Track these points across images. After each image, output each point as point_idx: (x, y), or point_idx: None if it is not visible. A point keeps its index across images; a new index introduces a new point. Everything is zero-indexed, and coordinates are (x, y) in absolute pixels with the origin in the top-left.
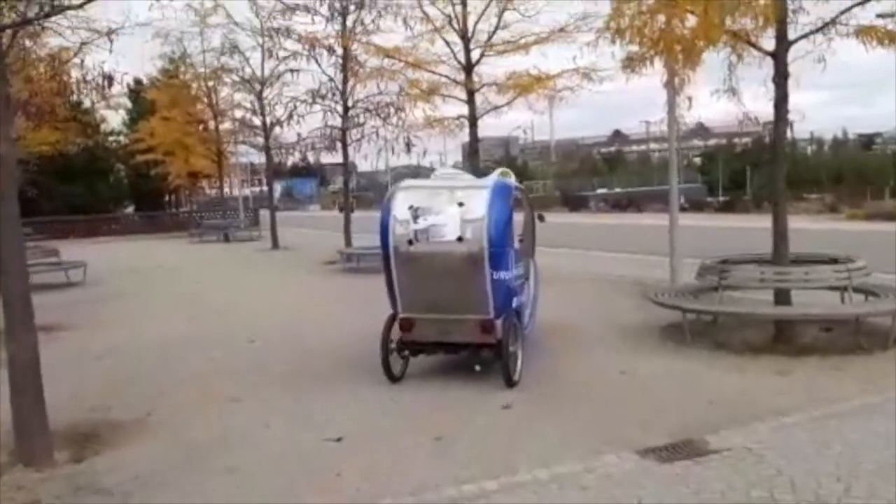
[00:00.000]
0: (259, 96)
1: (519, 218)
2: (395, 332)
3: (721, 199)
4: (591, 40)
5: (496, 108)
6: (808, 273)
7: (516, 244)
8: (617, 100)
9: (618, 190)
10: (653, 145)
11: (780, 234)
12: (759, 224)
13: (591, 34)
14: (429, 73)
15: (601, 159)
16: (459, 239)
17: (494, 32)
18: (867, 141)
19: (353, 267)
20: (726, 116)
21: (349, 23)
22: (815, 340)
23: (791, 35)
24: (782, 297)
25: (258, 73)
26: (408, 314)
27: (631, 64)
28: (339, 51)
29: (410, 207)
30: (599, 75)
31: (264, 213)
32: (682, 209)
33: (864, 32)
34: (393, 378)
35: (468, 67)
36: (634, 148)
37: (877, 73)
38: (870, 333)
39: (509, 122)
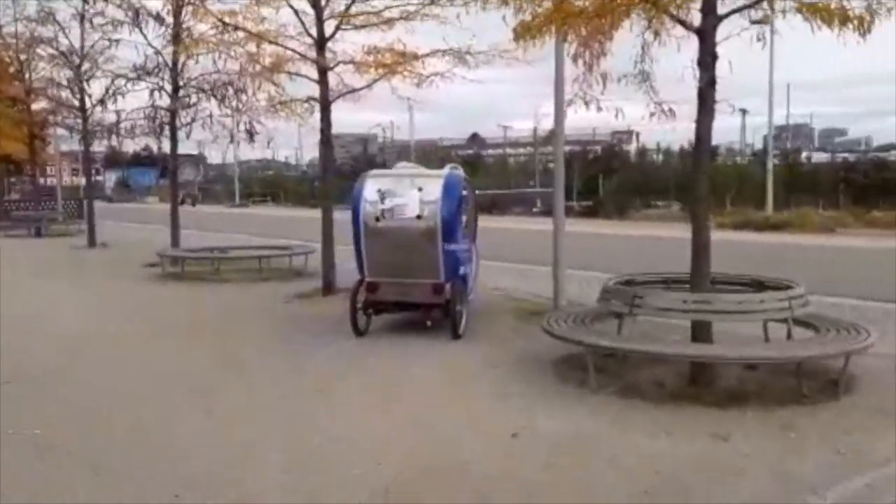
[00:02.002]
0: (77, 72)
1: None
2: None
3: (582, 204)
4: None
5: (354, 90)
6: (742, 302)
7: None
8: (475, 103)
9: (477, 192)
10: (509, 150)
11: (701, 248)
12: (629, 231)
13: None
14: (273, 45)
15: (461, 161)
16: (418, 217)
17: (353, 2)
18: (711, 152)
19: (177, 272)
20: (579, 123)
21: None
22: (740, 383)
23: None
24: (702, 330)
25: (77, 44)
26: (373, 278)
27: (524, 33)
28: (169, 20)
29: (378, 191)
30: (476, 59)
31: (99, 206)
32: (543, 213)
33: (810, 8)
34: (359, 333)
35: (321, 42)
36: (491, 152)
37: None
38: (807, 375)
39: (368, 120)
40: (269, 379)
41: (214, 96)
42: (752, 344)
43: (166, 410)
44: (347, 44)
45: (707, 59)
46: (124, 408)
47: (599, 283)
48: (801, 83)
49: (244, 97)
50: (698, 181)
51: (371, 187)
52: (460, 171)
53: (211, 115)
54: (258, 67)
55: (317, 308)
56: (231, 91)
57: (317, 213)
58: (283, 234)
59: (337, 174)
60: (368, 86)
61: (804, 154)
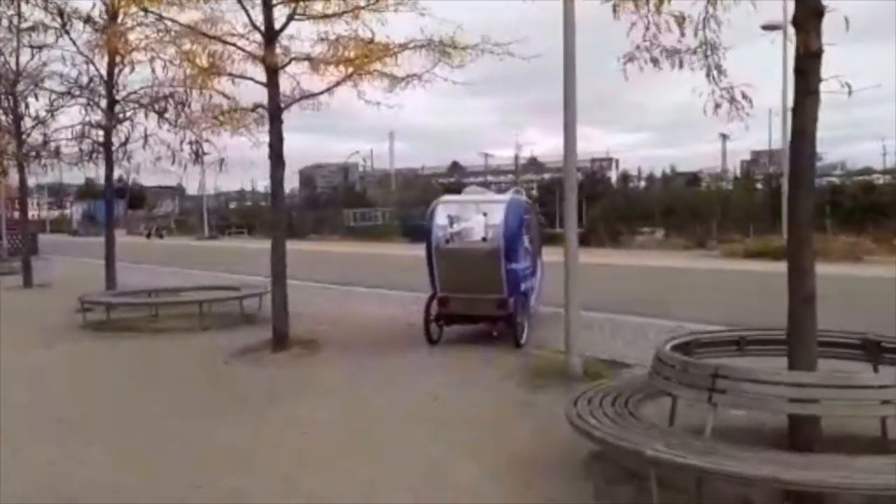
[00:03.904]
0: (12, 90)
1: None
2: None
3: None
4: None
5: (311, 95)
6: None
7: (527, 244)
8: (455, 132)
9: None
10: (490, 178)
11: (805, 300)
12: (630, 261)
13: None
14: (213, 41)
15: (442, 189)
16: (483, 239)
17: None
18: (692, 178)
19: (103, 321)
20: (558, 150)
21: None
22: None
23: None
24: (806, 428)
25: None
26: (445, 293)
27: None
28: (102, 22)
29: (448, 216)
30: (461, 55)
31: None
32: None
33: None
34: (432, 341)
35: (269, 35)
36: (473, 179)
37: (683, 117)
38: None
39: (348, 149)
40: None
41: (154, 111)
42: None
43: None
44: (304, 41)
45: (810, 17)
46: None
47: (613, 327)
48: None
49: (187, 111)
50: (800, 201)
51: (442, 212)
52: (522, 196)
53: (146, 133)
54: (194, 70)
55: (263, 372)
56: (171, 103)
57: (290, 245)
58: (248, 268)
59: (315, 204)
60: (329, 89)
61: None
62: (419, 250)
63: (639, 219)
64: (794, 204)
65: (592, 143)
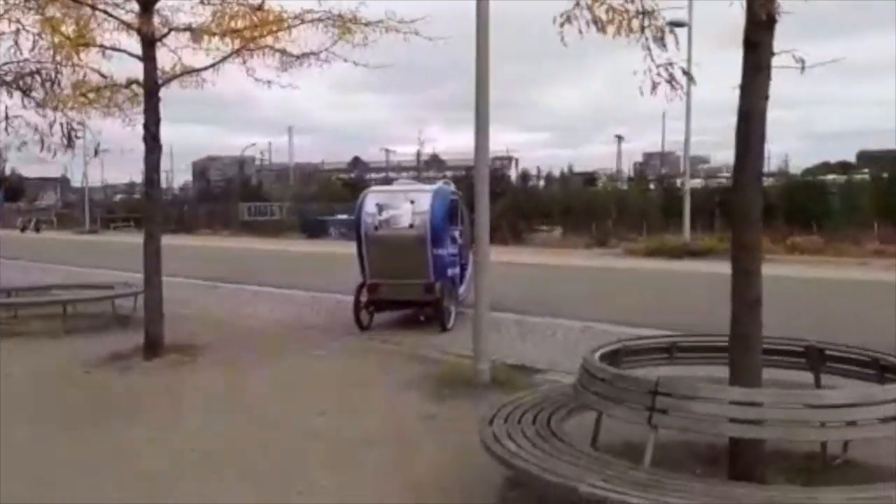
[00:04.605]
0: None
1: None
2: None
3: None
4: None
5: (193, 71)
6: (858, 405)
7: (455, 233)
8: (356, 127)
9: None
10: (392, 174)
11: (749, 304)
12: (538, 259)
13: None
14: (81, 5)
15: (342, 184)
16: (411, 226)
17: None
18: (589, 178)
19: None
20: (460, 149)
21: None
22: None
23: None
24: (749, 449)
25: None
26: (374, 280)
27: None
28: None
29: (377, 205)
30: (362, 30)
31: None
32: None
33: None
34: (362, 327)
35: (145, 1)
36: (374, 175)
37: (584, 118)
38: None
39: (244, 142)
40: None
41: (19, 88)
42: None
43: None
44: (187, 13)
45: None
46: None
47: (521, 328)
48: (674, 112)
49: (56, 89)
50: (747, 192)
51: (371, 201)
52: (450, 186)
53: (7, 115)
54: (59, 39)
55: (128, 383)
56: (39, 81)
57: (179, 240)
58: (126, 264)
59: (208, 197)
60: (214, 65)
61: (678, 180)
62: (317, 246)
63: (538, 217)
64: (740, 196)
65: (492, 141)
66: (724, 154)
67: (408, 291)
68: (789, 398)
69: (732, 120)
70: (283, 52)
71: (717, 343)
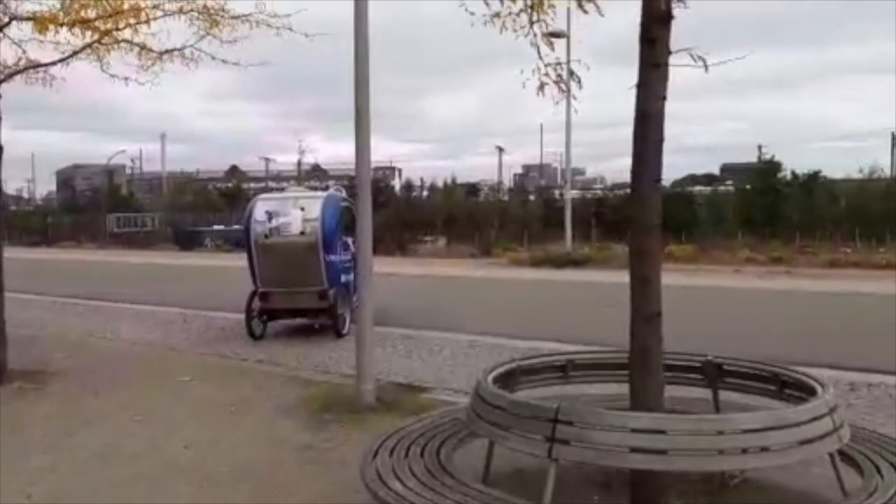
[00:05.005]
0: None
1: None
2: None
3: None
4: None
5: (39, 65)
6: (767, 429)
7: (348, 239)
8: (233, 135)
9: (236, 227)
10: (272, 183)
11: (648, 318)
12: (420, 270)
13: None
14: None
15: (219, 194)
16: (302, 233)
17: None
18: (472, 189)
19: None
20: (341, 157)
21: None
22: None
23: None
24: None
25: None
26: (266, 288)
27: None
28: None
29: (266, 212)
30: (231, 23)
31: None
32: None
33: None
34: (255, 337)
35: None
36: (254, 185)
37: (465, 130)
38: None
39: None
40: None
41: None
42: None
43: None
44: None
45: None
46: None
47: (407, 343)
48: (550, 126)
49: None
50: (645, 198)
51: (260, 209)
52: (341, 193)
53: None
54: None
55: None
56: None
57: (39, 254)
58: None
59: (74, 208)
60: (63, 59)
61: (557, 191)
62: (190, 259)
63: (423, 227)
64: (638, 202)
65: (374, 151)
66: (598, 166)
67: (301, 299)
68: (699, 424)
69: (607, 133)
70: (142, 46)
71: (614, 360)
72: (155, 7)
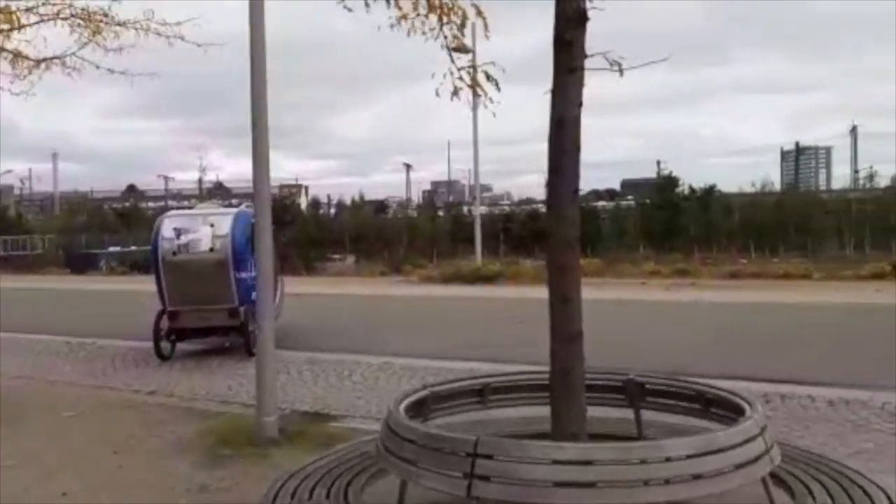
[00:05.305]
0: None
1: None
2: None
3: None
4: None
5: None
6: (697, 456)
7: None
8: (130, 154)
9: (133, 248)
10: (172, 202)
11: (570, 338)
12: (329, 289)
13: None
14: None
15: (115, 214)
16: (211, 249)
17: None
18: (380, 206)
19: None
20: (246, 175)
21: None
22: None
23: None
24: None
25: None
26: (174, 307)
27: None
28: None
29: (174, 229)
30: (115, 30)
31: None
32: None
33: None
34: (163, 358)
35: None
36: (152, 204)
37: (373, 147)
38: None
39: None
40: None
41: None
42: None
43: None
44: None
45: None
46: None
47: (314, 368)
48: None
49: None
50: (562, 211)
51: (168, 226)
52: (252, 210)
53: None
54: None
55: None
56: None
57: None
58: None
59: None
60: None
61: (465, 208)
62: (81, 283)
63: (330, 245)
64: (555, 216)
65: (279, 169)
66: (505, 182)
67: (211, 317)
68: (630, 453)
69: (513, 149)
70: (15, 54)
71: (533, 381)
72: (28, 11)
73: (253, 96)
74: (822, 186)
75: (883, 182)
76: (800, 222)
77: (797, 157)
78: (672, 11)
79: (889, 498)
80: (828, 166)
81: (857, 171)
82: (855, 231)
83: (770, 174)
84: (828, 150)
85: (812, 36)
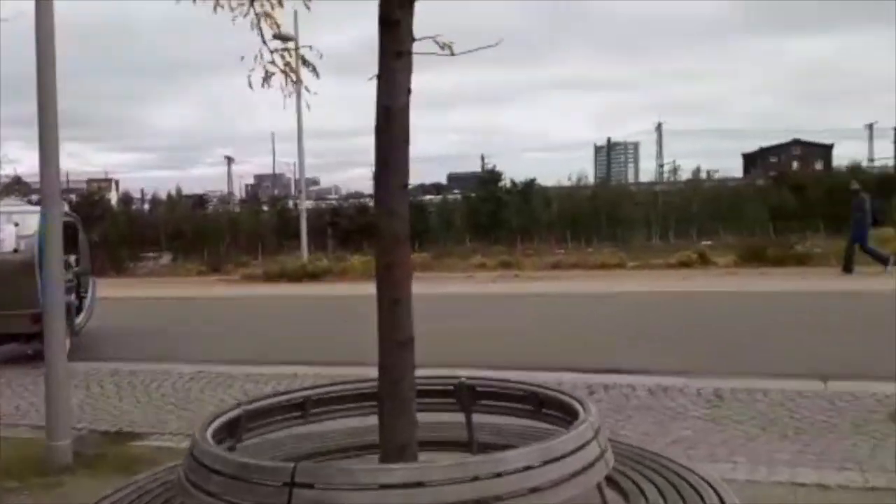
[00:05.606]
0: None
1: None
2: None
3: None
4: None
5: None
6: (526, 469)
7: (70, 258)
8: None
9: None
10: None
11: (398, 345)
12: (141, 292)
13: None
14: None
15: None
16: (15, 250)
17: None
18: (199, 201)
19: None
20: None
21: None
22: None
23: None
24: None
25: None
26: None
27: None
28: None
29: None
30: None
31: None
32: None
33: None
34: None
35: None
36: None
37: (191, 139)
38: None
39: None
40: None
41: None
42: None
43: None
44: None
45: None
46: None
47: (118, 381)
48: (282, 134)
49: None
50: (392, 205)
51: None
52: (63, 208)
53: None
54: None
55: None
56: None
57: None
58: None
59: None
60: None
61: (291, 202)
62: None
63: (144, 243)
64: (383, 211)
65: (86, 162)
66: (332, 176)
67: (12, 323)
68: (464, 470)
69: (339, 142)
70: None
71: (359, 390)
72: None
73: (39, 80)
74: (631, 180)
75: (685, 175)
76: (611, 213)
77: (608, 153)
78: (490, 12)
79: (713, 488)
80: (636, 161)
81: (661, 166)
82: (661, 221)
83: (585, 168)
84: (636, 145)
85: (621, 37)
